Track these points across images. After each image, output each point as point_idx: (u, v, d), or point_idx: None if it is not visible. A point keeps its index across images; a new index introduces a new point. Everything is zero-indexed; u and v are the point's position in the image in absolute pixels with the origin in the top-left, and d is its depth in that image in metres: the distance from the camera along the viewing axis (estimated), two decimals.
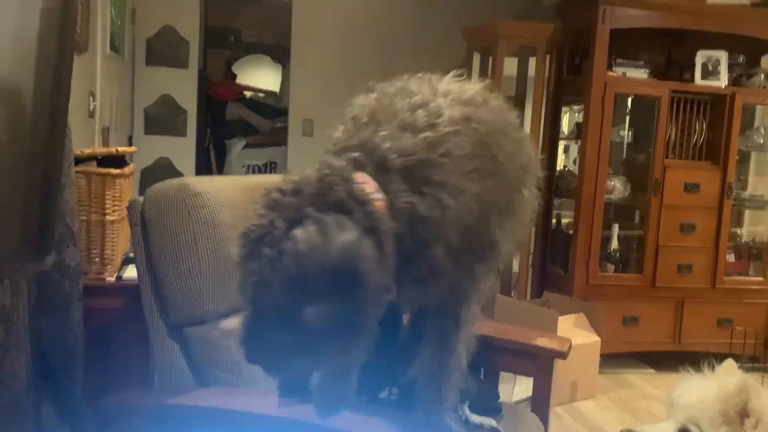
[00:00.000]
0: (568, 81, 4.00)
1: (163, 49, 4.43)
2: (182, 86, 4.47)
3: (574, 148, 4.26)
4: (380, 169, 1.00)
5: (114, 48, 3.60)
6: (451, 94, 1.15)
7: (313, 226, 0.88)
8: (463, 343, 1.26)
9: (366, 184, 0.97)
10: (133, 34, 4.29)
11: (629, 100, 4.05)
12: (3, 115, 0.64)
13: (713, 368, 1.50)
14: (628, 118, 4.11)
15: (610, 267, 3.80)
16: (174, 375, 1.53)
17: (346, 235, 0.89)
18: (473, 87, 1.21)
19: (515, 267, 4.03)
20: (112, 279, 1.98)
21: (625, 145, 4.10)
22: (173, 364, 1.52)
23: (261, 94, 6.43)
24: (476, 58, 4.03)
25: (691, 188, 3.72)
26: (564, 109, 4.19)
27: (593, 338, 3.35)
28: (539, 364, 1.78)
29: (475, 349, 1.33)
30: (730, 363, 1.52)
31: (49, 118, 0.69)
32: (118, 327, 1.97)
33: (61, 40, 0.69)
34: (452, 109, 1.10)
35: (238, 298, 1.04)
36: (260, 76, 6.79)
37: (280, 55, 6.30)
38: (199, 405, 1.40)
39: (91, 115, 2.95)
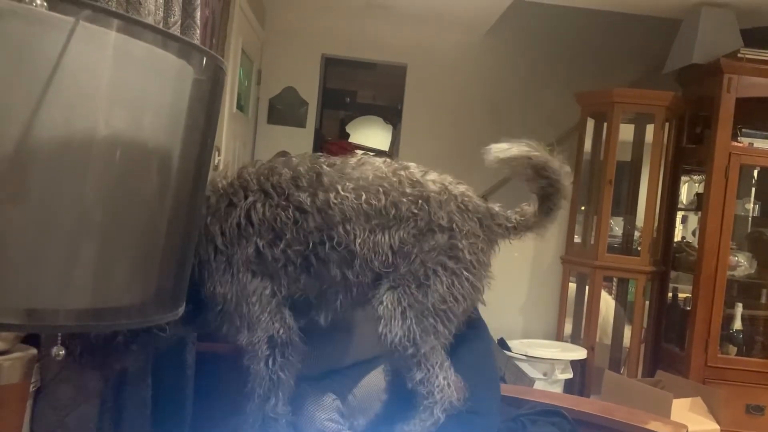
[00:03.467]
0: (689, 150, 3.83)
1: (284, 109, 4.70)
2: (299, 144, 4.69)
3: (694, 219, 4.05)
4: None
5: (240, 107, 3.86)
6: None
7: None
8: None
9: None
10: (257, 94, 4.58)
11: (756, 171, 3.81)
12: (154, 177, 0.71)
13: None
14: (754, 190, 3.86)
15: (732, 349, 3.51)
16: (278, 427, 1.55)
17: None
18: None
19: (626, 341, 3.82)
20: None
21: (750, 219, 3.84)
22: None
23: (371, 153, 6.63)
24: (590, 124, 3.97)
25: None
26: (683, 178, 4.00)
27: (712, 426, 3.09)
28: None
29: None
30: None
31: (192, 180, 0.75)
32: (226, 372, 2.03)
33: (209, 108, 0.76)
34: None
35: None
36: (371, 136, 7.01)
37: (392, 115, 6.49)
38: None
39: (215, 168, 3.15)
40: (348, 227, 1.33)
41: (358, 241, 1.33)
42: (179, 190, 0.73)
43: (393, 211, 1.36)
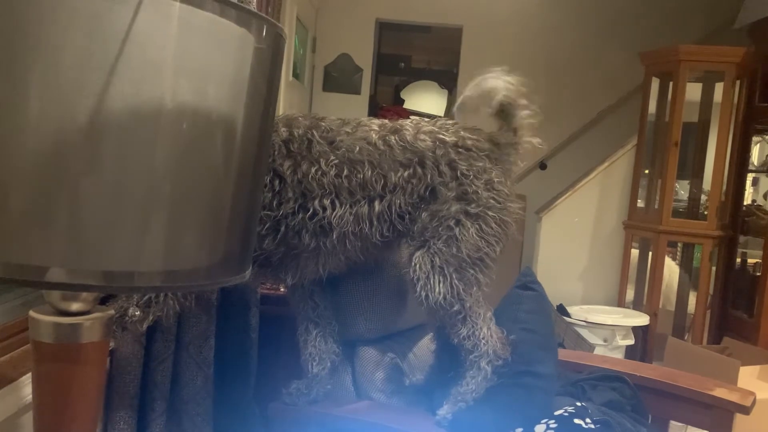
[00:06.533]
0: (761, 108, 3.65)
1: (339, 76, 4.70)
2: (354, 111, 4.71)
3: (765, 182, 3.88)
4: None
5: (295, 75, 3.89)
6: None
7: None
8: None
9: None
10: (312, 62, 4.60)
11: None
12: (219, 145, 0.73)
13: None
14: None
15: None
16: (336, 386, 1.60)
17: None
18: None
19: (690, 307, 3.73)
20: (285, 290, 2.12)
21: None
22: (338, 378, 1.60)
23: (426, 119, 6.56)
24: (654, 84, 3.82)
25: None
26: (755, 138, 3.82)
27: None
28: (716, 417, 1.63)
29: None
30: None
31: (257, 146, 0.77)
32: (288, 335, 2.09)
33: (270, 76, 0.78)
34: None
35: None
36: (426, 101, 6.94)
37: (447, 80, 6.41)
38: (358, 418, 1.46)
39: None
40: (325, 201, 1.30)
41: (337, 214, 1.30)
42: (243, 158, 0.76)
43: (381, 183, 1.32)
